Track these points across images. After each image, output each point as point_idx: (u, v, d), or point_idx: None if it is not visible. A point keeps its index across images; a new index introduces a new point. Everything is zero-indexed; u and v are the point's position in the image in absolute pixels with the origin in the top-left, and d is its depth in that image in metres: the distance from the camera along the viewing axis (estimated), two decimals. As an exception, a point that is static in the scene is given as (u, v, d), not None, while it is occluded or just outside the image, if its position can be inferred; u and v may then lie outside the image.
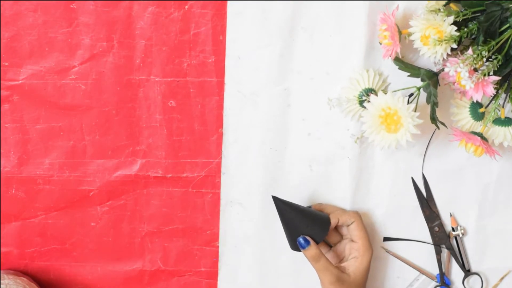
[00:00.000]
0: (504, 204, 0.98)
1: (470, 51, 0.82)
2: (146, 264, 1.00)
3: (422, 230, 0.99)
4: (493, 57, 0.83)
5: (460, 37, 0.83)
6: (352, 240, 0.94)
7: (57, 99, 0.96)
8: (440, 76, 0.89)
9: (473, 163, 0.97)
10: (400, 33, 0.87)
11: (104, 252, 1.00)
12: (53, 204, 0.98)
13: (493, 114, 0.88)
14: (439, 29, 0.83)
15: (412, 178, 0.98)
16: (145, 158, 0.98)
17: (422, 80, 0.89)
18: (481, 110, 0.90)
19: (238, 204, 0.98)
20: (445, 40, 0.83)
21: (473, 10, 0.84)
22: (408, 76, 0.89)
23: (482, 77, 0.82)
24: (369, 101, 0.88)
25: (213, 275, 1.00)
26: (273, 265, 1.00)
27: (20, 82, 0.96)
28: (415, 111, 0.86)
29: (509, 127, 0.90)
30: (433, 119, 0.88)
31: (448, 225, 0.99)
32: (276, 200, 0.92)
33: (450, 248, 0.98)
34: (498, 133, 0.90)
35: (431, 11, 0.85)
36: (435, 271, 0.99)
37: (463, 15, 0.84)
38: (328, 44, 0.95)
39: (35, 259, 1.00)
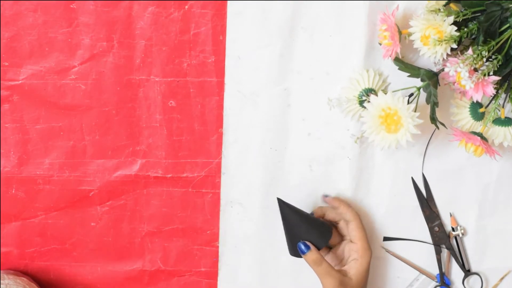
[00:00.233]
0: (504, 204, 0.98)
1: (470, 51, 0.82)
2: (146, 264, 1.00)
3: (422, 230, 0.99)
4: (493, 57, 0.83)
5: (460, 37, 0.83)
6: (351, 241, 0.94)
7: (57, 99, 0.96)
8: (440, 76, 0.89)
9: (473, 163, 0.97)
10: (400, 33, 0.87)
11: (104, 252, 1.00)
12: (53, 204, 0.98)
13: (493, 114, 0.88)
14: (439, 29, 0.83)
15: (412, 178, 0.98)
16: (145, 158, 0.98)
17: (422, 80, 0.89)
18: (481, 110, 0.90)
19: (238, 204, 0.98)
20: (445, 40, 0.83)
21: (473, 10, 0.84)
22: (408, 76, 0.89)
23: (482, 77, 0.82)
24: (369, 101, 0.88)
25: (213, 275, 1.00)
26: (273, 265, 1.00)
27: (20, 82, 0.96)
28: (415, 111, 0.86)
29: (509, 127, 0.90)
30: (433, 119, 0.88)
31: (448, 225, 0.99)
32: (281, 202, 0.92)
33: (450, 248, 0.98)
34: (498, 133, 0.90)
35: (431, 11, 0.85)
36: (435, 271, 0.99)
37: (463, 15, 0.84)
38: (328, 44, 0.95)
39: (35, 259, 1.00)
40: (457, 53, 0.86)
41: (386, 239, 0.99)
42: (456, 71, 0.82)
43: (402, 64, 0.89)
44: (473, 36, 0.85)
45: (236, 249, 0.99)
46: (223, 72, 0.96)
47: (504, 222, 0.99)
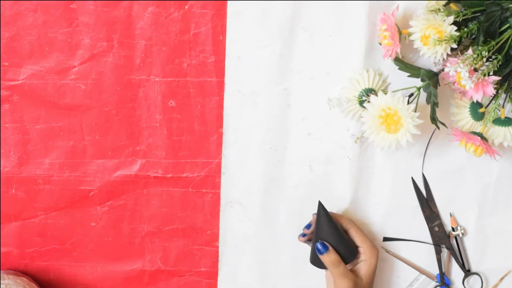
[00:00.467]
0: (504, 204, 0.98)
1: (470, 51, 0.82)
2: (146, 264, 1.00)
3: (422, 230, 0.99)
4: (493, 57, 0.83)
5: (460, 37, 0.83)
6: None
7: (57, 99, 0.96)
8: (440, 76, 0.89)
9: (473, 163, 0.97)
10: (400, 33, 0.87)
11: (104, 252, 1.00)
12: (53, 204, 0.98)
13: (493, 114, 0.88)
14: (439, 29, 0.83)
15: (412, 178, 0.98)
16: (145, 158, 0.98)
17: (422, 80, 0.89)
18: (481, 110, 0.90)
19: (238, 204, 0.98)
20: (445, 40, 0.83)
21: (473, 10, 0.84)
22: (408, 76, 0.89)
23: (482, 77, 0.82)
24: (369, 101, 0.88)
25: (213, 275, 1.00)
26: (273, 265, 1.00)
27: (20, 82, 0.96)
28: (415, 111, 0.86)
29: (509, 127, 0.90)
30: (433, 119, 0.88)
31: (448, 225, 0.99)
32: (320, 207, 0.92)
33: (450, 248, 0.98)
34: (498, 133, 0.90)
35: (431, 11, 0.85)
36: (435, 271, 0.99)
37: (463, 15, 0.83)
38: (328, 44, 0.95)
39: (35, 259, 1.00)
40: (457, 53, 0.86)
41: (386, 239, 0.99)
42: (456, 71, 0.82)
43: (402, 64, 0.89)
44: (473, 36, 0.85)
45: (236, 249, 0.99)
46: (223, 72, 0.96)
47: (504, 222, 0.99)
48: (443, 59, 0.85)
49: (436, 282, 0.99)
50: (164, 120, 0.97)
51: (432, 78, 0.88)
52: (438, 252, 0.98)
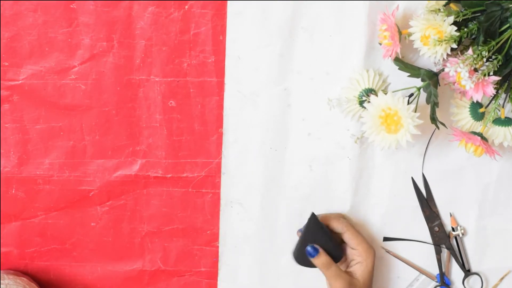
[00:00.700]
0: (504, 204, 0.98)
1: (470, 51, 0.82)
2: (146, 264, 1.00)
3: (422, 230, 0.98)
4: (493, 57, 0.83)
5: (460, 37, 0.83)
6: (351, 248, 0.94)
7: (57, 99, 0.96)
8: (440, 76, 0.89)
9: (473, 163, 0.97)
10: (400, 33, 0.87)
11: (104, 252, 1.00)
12: (53, 204, 0.98)
13: (493, 114, 0.88)
14: (439, 29, 0.83)
15: (412, 178, 0.98)
16: (145, 158, 0.98)
17: (422, 80, 0.89)
18: (481, 110, 0.90)
19: (238, 204, 0.98)
20: (445, 40, 0.83)
21: (473, 10, 0.84)
22: (408, 76, 0.89)
23: (482, 77, 0.82)
24: (369, 102, 0.88)
25: (213, 275, 1.00)
26: (273, 265, 1.00)
27: (20, 82, 0.96)
28: (415, 111, 0.86)
29: (509, 127, 0.90)
30: (433, 119, 0.87)
31: (448, 225, 0.99)
32: (312, 217, 0.92)
33: (450, 248, 0.98)
34: (498, 133, 0.90)
35: (431, 11, 0.85)
36: (435, 271, 0.99)
37: (463, 15, 0.83)
38: (328, 44, 0.95)
39: (35, 259, 1.00)
40: (457, 53, 0.86)
41: (386, 239, 0.99)
42: (456, 71, 0.82)
43: (402, 64, 0.89)
44: (473, 36, 0.85)
45: (236, 249, 0.99)
46: (223, 72, 0.96)
47: (504, 222, 0.99)
48: (443, 59, 0.85)
49: (436, 282, 0.99)
50: (164, 120, 0.97)
51: (432, 78, 0.88)
52: (438, 252, 0.98)
